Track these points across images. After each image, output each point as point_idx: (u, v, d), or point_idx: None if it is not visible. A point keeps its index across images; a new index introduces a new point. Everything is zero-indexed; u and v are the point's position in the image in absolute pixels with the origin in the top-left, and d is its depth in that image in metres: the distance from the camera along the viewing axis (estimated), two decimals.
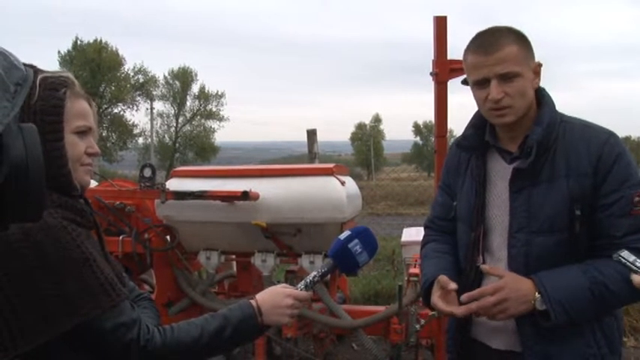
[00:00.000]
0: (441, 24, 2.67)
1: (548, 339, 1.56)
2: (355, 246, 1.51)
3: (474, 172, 1.69)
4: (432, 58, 2.72)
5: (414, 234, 3.73)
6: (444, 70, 2.64)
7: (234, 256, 3.58)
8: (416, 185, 15.17)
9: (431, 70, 2.71)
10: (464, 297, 1.56)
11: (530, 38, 1.62)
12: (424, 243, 1.89)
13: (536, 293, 1.51)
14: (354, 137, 50.03)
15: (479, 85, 1.59)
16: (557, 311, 1.48)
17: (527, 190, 1.57)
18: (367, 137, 46.71)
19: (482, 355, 1.71)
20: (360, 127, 50.84)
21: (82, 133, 1.29)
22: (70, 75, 1.32)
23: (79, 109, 1.29)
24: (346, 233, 1.54)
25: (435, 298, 1.63)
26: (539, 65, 1.60)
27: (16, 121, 0.86)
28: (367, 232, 1.55)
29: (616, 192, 1.51)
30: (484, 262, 1.66)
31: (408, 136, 51.67)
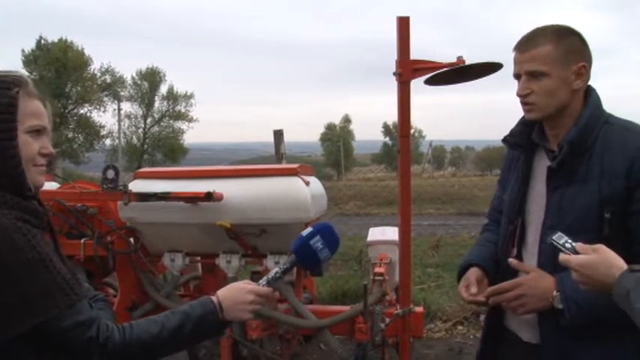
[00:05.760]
0: (403, 24, 2.68)
1: (568, 336, 1.56)
2: (317, 242, 1.53)
3: (519, 168, 1.74)
4: (396, 58, 2.73)
5: (379, 234, 3.75)
6: (407, 71, 2.65)
7: (199, 258, 3.54)
8: (384, 185, 15.27)
9: (394, 70, 2.71)
10: (487, 291, 1.66)
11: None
12: (481, 232, 1.99)
13: (555, 291, 1.54)
14: (324, 138, 50.08)
15: (516, 79, 1.66)
16: (572, 310, 1.50)
17: (562, 189, 1.60)
18: (337, 138, 46.81)
19: (511, 344, 1.76)
20: (330, 127, 50.92)
21: (36, 132, 1.28)
22: (24, 74, 1.32)
23: (33, 109, 1.27)
24: (308, 230, 1.56)
25: (461, 287, 1.74)
26: (584, 67, 1.60)
27: None
28: (329, 228, 1.57)
29: None
30: (519, 254, 1.71)
31: (378, 137, 52.06)
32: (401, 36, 2.66)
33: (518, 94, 1.64)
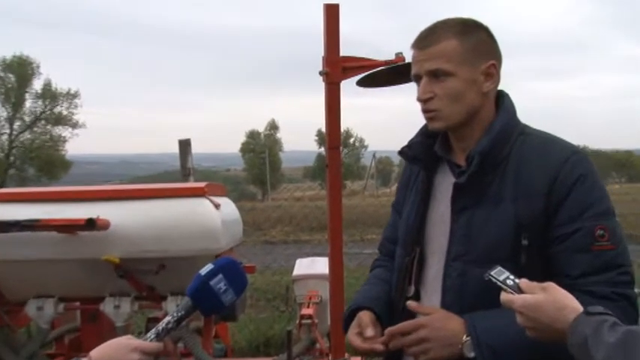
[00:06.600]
0: (331, 14, 2.69)
1: None
2: (219, 283, 1.50)
3: (419, 187, 1.73)
4: (322, 54, 2.74)
5: (307, 266, 3.75)
6: (335, 69, 2.67)
7: (77, 304, 3.42)
8: (316, 206, 15.38)
9: (321, 68, 2.73)
10: (386, 332, 1.62)
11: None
12: (371, 269, 1.96)
13: (465, 336, 1.52)
14: (246, 148, 50.00)
15: (415, 81, 1.66)
16: (486, 357, 1.49)
17: (470, 211, 1.60)
18: (261, 148, 46.85)
19: None
20: (253, 135, 50.90)
21: None
22: None
23: None
24: (208, 267, 1.53)
25: (352, 334, 1.69)
26: (494, 65, 1.62)
27: None
28: (233, 264, 1.55)
29: (574, 222, 1.52)
30: (416, 292, 1.69)
31: (311, 147, 52.49)
32: (328, 28, 2.67)
33: (419, 99, 1.64)
